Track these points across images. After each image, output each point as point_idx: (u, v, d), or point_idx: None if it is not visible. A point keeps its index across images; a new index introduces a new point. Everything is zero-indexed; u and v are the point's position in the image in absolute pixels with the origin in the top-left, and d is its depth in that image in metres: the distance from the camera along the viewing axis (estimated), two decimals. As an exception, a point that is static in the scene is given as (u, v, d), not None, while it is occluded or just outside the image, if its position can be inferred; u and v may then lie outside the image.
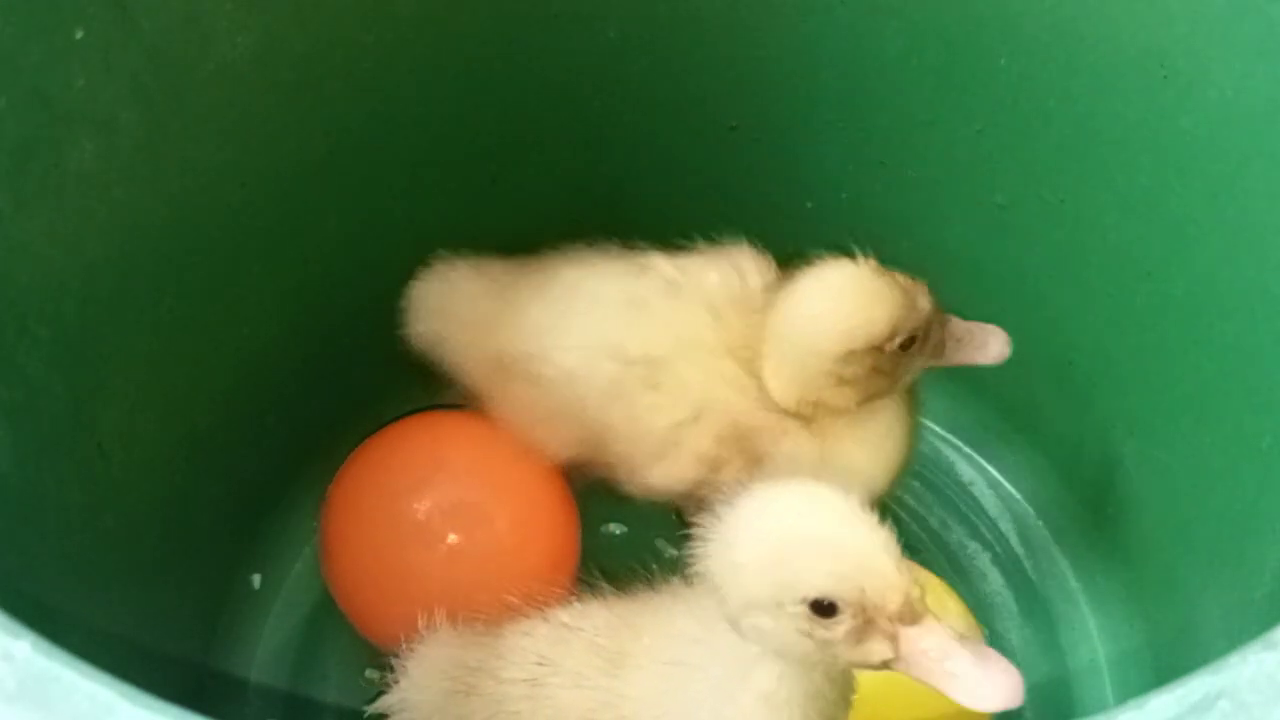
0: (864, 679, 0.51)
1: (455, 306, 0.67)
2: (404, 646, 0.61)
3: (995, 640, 0.72)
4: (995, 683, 0.43)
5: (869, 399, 0.59)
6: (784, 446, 0.60)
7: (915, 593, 0.43)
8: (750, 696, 0.48)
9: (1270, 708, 0.30)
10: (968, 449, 0.78)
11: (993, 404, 0.76)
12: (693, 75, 0.68)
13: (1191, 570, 0.63)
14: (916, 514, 0.76)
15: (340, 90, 0.62)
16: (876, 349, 0.56)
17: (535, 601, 0.59)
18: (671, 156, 0.71)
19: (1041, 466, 0.75)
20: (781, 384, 0.59)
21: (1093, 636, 0.71)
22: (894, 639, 0.43)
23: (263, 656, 0.70)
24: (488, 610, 0.60)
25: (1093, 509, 0.72)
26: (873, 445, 0.61)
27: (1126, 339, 0.65)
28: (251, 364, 0.66)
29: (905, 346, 0.56)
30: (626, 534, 0.73)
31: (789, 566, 0.43)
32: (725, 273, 0.62)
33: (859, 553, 0.43)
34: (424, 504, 0.66)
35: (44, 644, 0.32)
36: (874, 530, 0.44)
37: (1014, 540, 0.75)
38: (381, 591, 0.66)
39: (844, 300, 0.56)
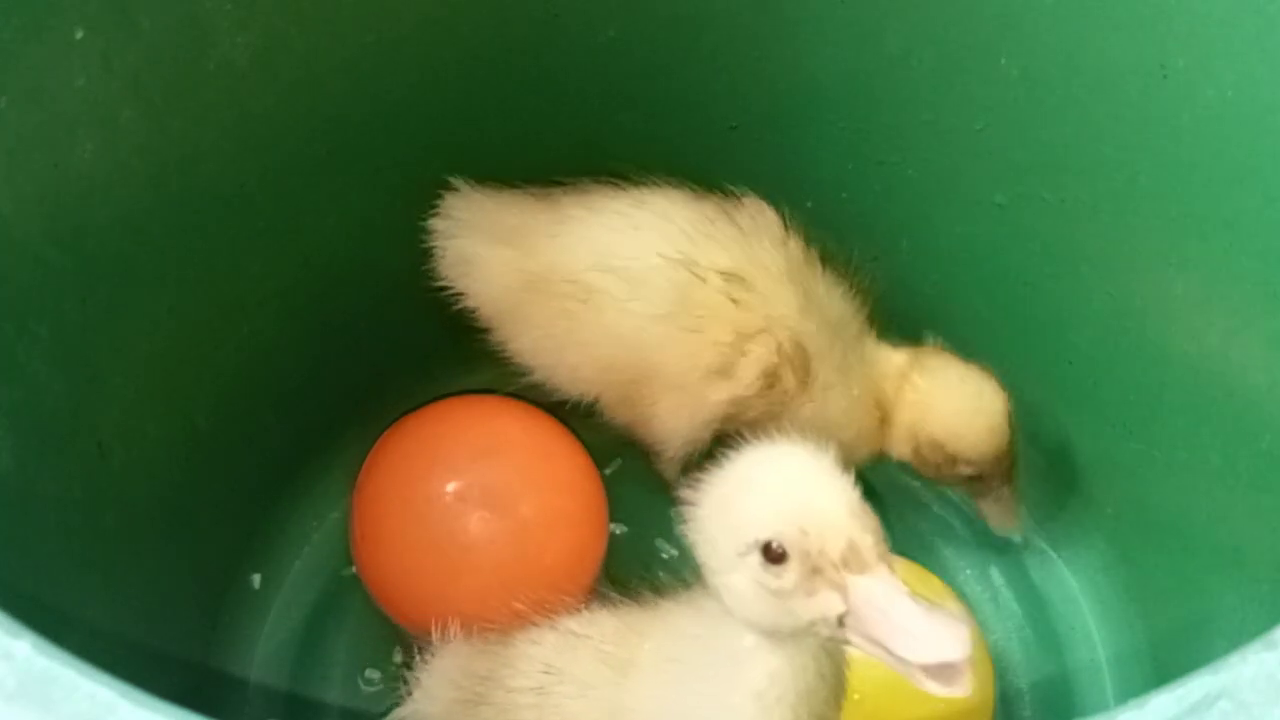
0: (865, 679, 0.51)
1: (489, 223, 0.66)
2: (417, 658, 0.61)
3: (996, 640, 0.72)
4: (940, 634, 0.41)
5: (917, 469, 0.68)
6: (841, 386, 0.64)
7: (867, 541, 0.42)
8: (741, 695, 0.47)
9: (1270, 708, 0.30)
10: (968, 449, 0.78)
11: (993, 404, 0.76)
12: (693, 75, 0.68)
13: (1191, 570, 0.63)
14: (917, 514, 0.76)
15: (340, 89, 0.62)
16: (955, 461, 0.65)
17: (546, 609, 0.58)
18: (671, 156, 0.71)
19: (1041, 467, 0.75)
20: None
21: (1093, 636, 0.71)
22: (842, 589, 0.42)
23: (263, 656, 0.70)
24: (508, 603, 0.60)
25: (1093, 509, 0.72)
26: None
27: (1126, 339, 0.65)
28: (251, 363, 0.66)
29: (971, 477, 0.66)
30: (627, 534, 0.73)
31: (738, 509, 0.44)
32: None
33: (805, 495, 0.43)
34: (459, 485, 0.66)
35: (44, 644, 0.32)
36: (832, 481, 0.43)
37: (1014, 540, 0.75)
38: (410, 572, 0.67)
39: (976, 418, 0.65)
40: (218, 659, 0.68)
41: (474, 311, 0.67)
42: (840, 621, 0.42)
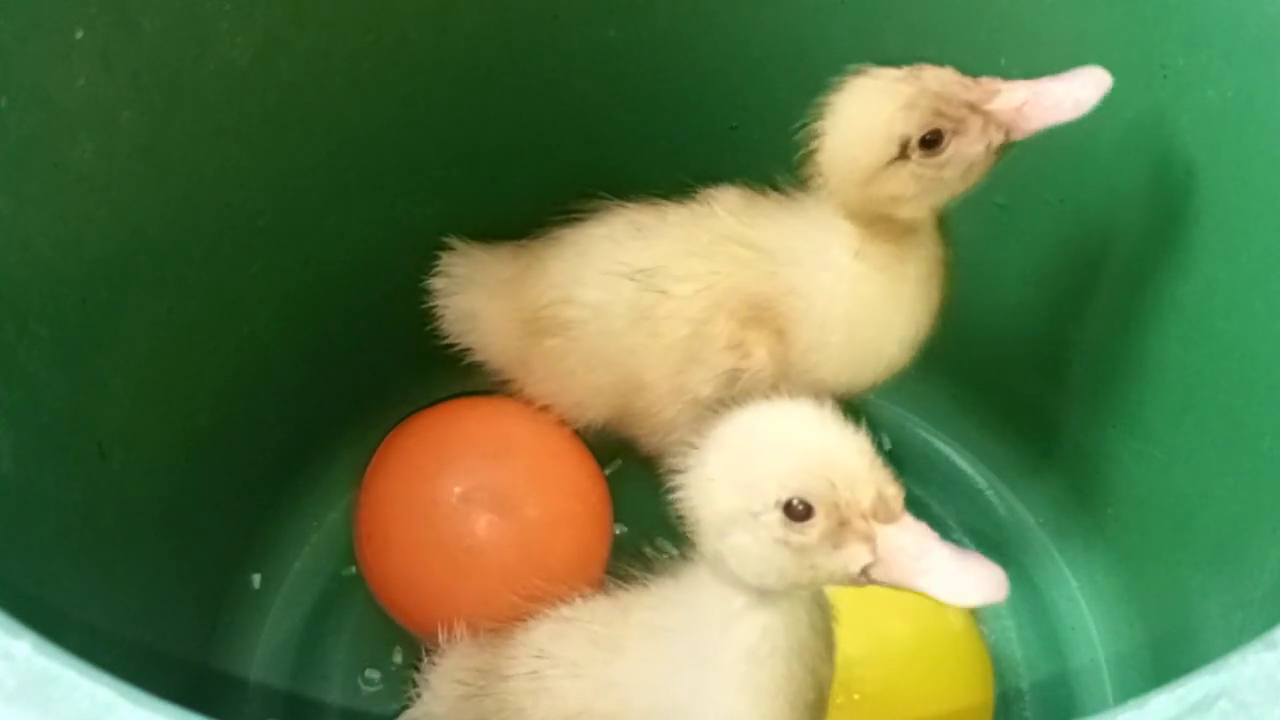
0: (864, 679, 0.51)
1: (482, 276, 0.68)
2: (425, 659, 0.61)
3: (996, 640, 0.72)
4: (976, 576, 0.42)
5: (944, 200, 0.55)
6: (811, 304, 0.59)
7: (891, 490, 0.43)
8: (733, 653, 0.47)
9: (1270, 708, 0.30)
10: (967, 449, 0.78)
11: (992, 404, 0.76)
12: (693, 75, 0.68)
13: (1191, 570, 0.63)
14: (916, 514, 0.75)
15: (340, 90, 0.62)
16: (900, 159, 0.52)
17: (545, 600, 0.59)
18: (671, 156, 0.71)
19: (1042, 467, 0.75)
20: (839, 196, 0.56)
21: (1093, 636, 0.71)
22: (871, 540, 0.42)
23: (263, 656, 0.70)
24: (512, 604, 0.60)
25: (1093, 509, 0.72)
26: (911, 291, 0.58)
27: (1126, 339, 0.65)
28: (251, 364, 0.66)
29: (931, 145, 0.52)
30: (626, 534, 0.73)
31: (758, 468, 0.43)
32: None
33: (827, 448, 0.43)
34: (465, 487, 0.66)
35: (44, 644, 0.32)
36: (845, 432, 0.43)
37: (1014, 541, 0.75)
38: (415, 573, 0.67)
39: (839, 125, 0.54)
40: (218, 659, 0.69)
41: (484, 365, 0.69)
42: (864, 571, 0.43)
